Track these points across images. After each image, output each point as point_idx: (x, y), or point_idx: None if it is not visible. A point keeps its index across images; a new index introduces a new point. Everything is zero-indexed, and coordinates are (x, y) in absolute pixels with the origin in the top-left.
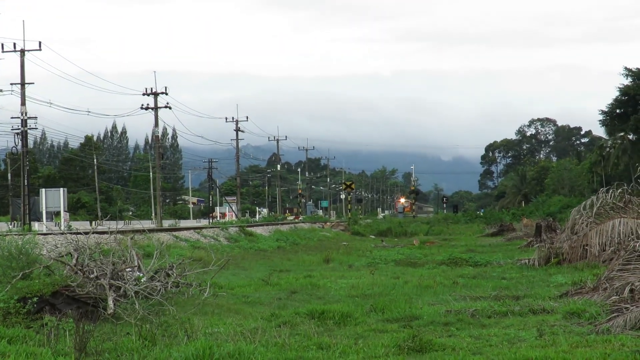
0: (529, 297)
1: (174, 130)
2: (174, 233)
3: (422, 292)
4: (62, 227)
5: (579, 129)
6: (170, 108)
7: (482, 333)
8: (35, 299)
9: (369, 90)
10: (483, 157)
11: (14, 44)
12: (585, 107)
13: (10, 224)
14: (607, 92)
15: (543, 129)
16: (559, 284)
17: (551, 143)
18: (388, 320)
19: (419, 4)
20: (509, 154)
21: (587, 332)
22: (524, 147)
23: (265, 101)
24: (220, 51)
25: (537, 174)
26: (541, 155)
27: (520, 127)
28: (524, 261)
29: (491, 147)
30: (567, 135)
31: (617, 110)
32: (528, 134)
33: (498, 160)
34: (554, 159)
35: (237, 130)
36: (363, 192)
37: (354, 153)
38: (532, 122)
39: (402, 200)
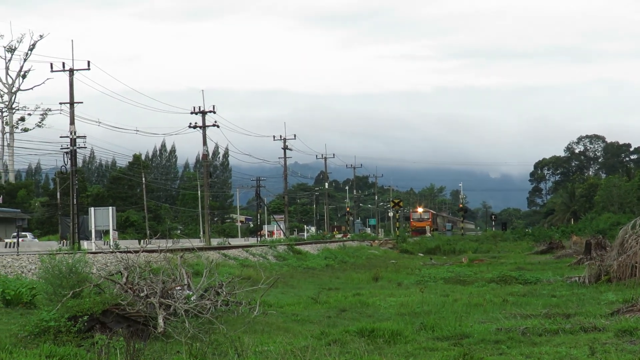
0: (579, 315)
1: (226, 149)
2: (223, 251)
3: (472, 310)
4: (111, 246)
5: (629, 145)
6: (218, 126)
7: (533, 351)
8: (85, 318)
9: (409, 108)
10: (532, 174)
11: (63, 64)
12: (630, 123)
13: (60, 243)
14: None
15: (592, 146)
16: (609, 301)
17: (600, 160)
18: (438, 338)
19: (461, 21)
20: (558, 171)
21: (639, 350)
22: (573, 164)
23: (303, 119)
24: (260, 69)
25: (586, 191)
26: (590, 172)
27: (569, 144)
28: (574, 279)
29: (540, 164)
30: (616, 152)
31: None
32: (577, 150)
33: (547, 177)
34: (603, 175)
35: (285, 148)
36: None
37: (400, 170)
38: (580, 138)
39: (420, 209)
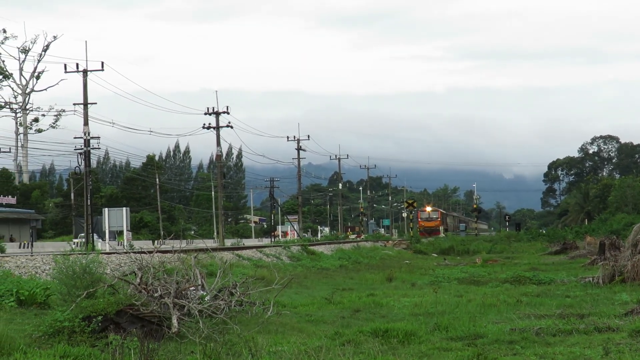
0: (593, 315)
1: (240, 150)
2: (237, 252)
3: (486, 311)
4: (125, 246)
5: None
6: (231, 127)
7: (547, 351)
8: (99, 318)
9: (422, 108)
10: (545, 175)
11: (77, 65)
12: None
13: (74, 244)
14: None
15: (606, 146)
16: (623, 302)
17: (614, 160)
18: (452, 338)
19: (474, 22)
20: (572, 172)
21: None
22: (587, 165)
23: (316, 120)
24: (273, 69)
25: (600, 191)
26: (604, 173)
27: (583, 145)
28: (588, 279)
29: (554, 165)
30: (630, 153)
31: None
32: (590, 151)
33: (561, 178)
34: (617, 176)
35: (299, 149)
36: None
37: (413, 171)
38: (594, 139)
39: (428, 209)
